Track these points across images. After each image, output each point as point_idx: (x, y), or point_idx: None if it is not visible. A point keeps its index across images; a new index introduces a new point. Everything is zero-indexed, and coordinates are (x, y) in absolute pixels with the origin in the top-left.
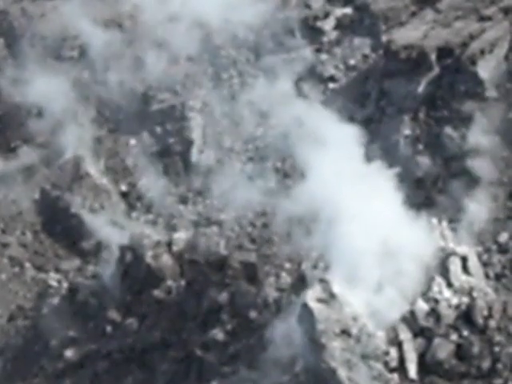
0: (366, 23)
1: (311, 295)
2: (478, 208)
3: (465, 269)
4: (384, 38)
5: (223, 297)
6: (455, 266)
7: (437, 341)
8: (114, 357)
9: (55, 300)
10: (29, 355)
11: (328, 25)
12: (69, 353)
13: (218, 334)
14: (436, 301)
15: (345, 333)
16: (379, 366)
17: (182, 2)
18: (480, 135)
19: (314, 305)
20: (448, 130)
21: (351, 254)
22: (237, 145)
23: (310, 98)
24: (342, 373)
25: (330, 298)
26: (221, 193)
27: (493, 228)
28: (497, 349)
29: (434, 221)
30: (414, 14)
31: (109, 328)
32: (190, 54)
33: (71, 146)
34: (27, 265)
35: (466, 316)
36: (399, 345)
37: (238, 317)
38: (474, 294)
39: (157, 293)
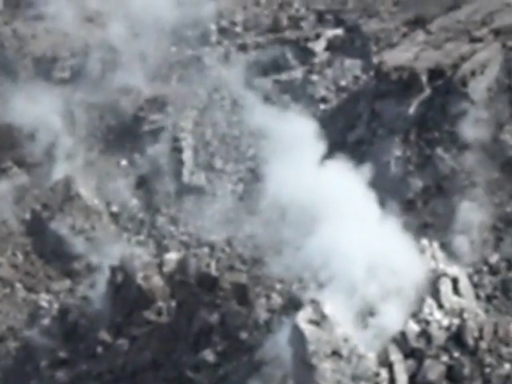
0: (357, 44)
1: (302, 316)
2: (469, 229)
3: (455, 290)
4: (375, 60)
5: (214, 318)
6: (446, 287)
7: (427, 362)
8: (104, 377)
9: (46, 321)
10: (19, 376)
11: (319, 46)
12: (59, 374)
13: (209, 355)
14: (427, 322)
15: (336, 354)
16: None
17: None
18: (471, 157)
19: (305, 326)
20: (439, 151)
21: (342, 275)
22: (228, 166)
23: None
24: None
25: (321, 318)
26: (212, 214)
27: (483, 249)
28: (487, 370)
29: (425, 242)
30: (404, 36)
31: (99, 349)
32: (182, 75)
33: (62, 167)
34: (18, 285)
35: (457, 337)
36: (390, 366)
37: (229, 338)
38: (465, 316)
39: (147, 314)
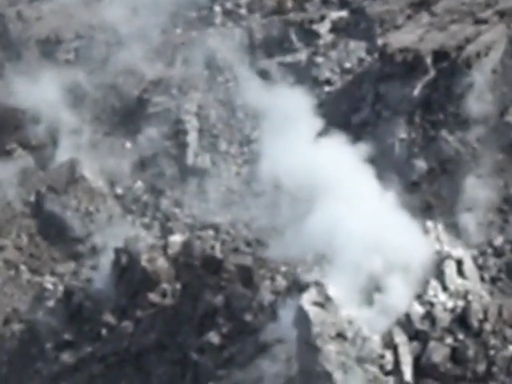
0: (362, 26)
1: (307, 298)
2: (474, 211)
3: (460, 272)
4: (379, 42)
5: (219, 300)
6: (450, 269)
7: (432, 344)
8: (109, 360)
9: (50, 303)
10: (24, 358)
11: (323, 28)
12: (64, 356)
13: (214, 338)
14: (431, 304)
15: (340, 336)
16: (374, 369)
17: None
18: (475, 138)
19: (309, 308)
20: (444, 133)
21: (346, 256)
22: (232, 148)
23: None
24: (338, 376)
25: (325, 301)
26: (216, 196)
27: (488, 231)
28: (492, 352)
29: (430, 224)
30: (409, 18)
31: (104, 331)
32: (186, 57)
33: (66, 149)
34: (23, 268)
35: (462, 319)
36: (394, 348)
37: (234, 320)
38: (470, 298)
39: (152, 296)
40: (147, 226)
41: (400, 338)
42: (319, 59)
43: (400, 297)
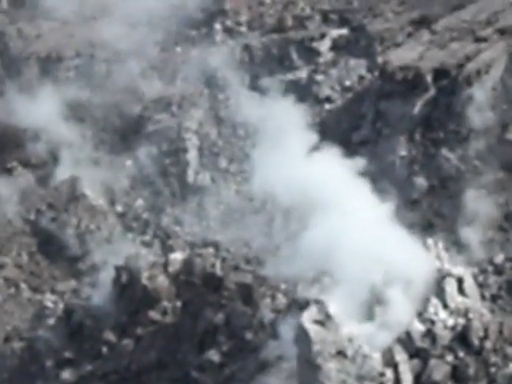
0: (362, 44)
1: (307, 316)
2: (474, 230)
3: (461, 290)
4: (380, 59)
5: (219, 318)
6: (451, 287)
7: (433, 362)
8: (109, 378)
9: (51, 321)
10: (24, 376)
11: (324, 46)
12: (65, 374)
13: (214, 355)
14: (432, 322)
15: (340, 354)
16: None
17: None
18: (476, 156)
19: (309, 326)
20: (444, 151)
21: (347, 273)
22: (233, 166)
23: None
24: None
25: (325, 319)
26: (217, 214)
27: (489, 249)
28: (493, 370)
29: (430, 242)
30: (409, 35)
31: (105, 349)
32: (187, 75)
33: (67, 168)
34: (23, 286)
35: (462, 337)
36: (395, 366)
37: (234, 338)
38: (470, 315)
39: (152, 314)
40: (148, 244)
41: (400, 356)
42: (319, 77)
43: (401, 311)
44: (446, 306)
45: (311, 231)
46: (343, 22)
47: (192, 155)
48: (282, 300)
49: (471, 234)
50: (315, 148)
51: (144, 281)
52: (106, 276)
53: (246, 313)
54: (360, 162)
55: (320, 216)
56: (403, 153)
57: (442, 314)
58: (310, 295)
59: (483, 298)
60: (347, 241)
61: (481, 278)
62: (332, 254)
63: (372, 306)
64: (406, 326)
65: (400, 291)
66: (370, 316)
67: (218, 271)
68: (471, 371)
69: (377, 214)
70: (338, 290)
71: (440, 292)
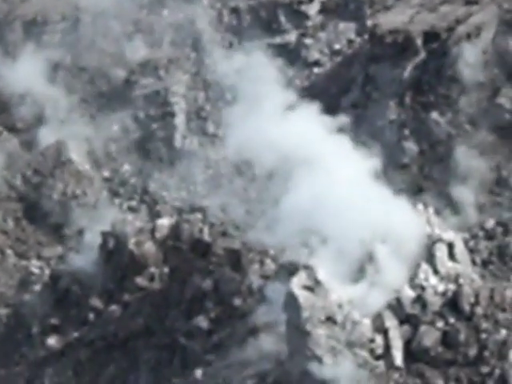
0: (351, 7)
1: (296, 282)
2: (465, 194)
3: (451, 255)
4: (369, 23)
5: (207, 284)
6: (441, 252)
7: (423, 328)
8: (96, 344)
9: (37, 287)
10: (10, 343)
11: (313, 9)
12: (51, 340)
13: (202, 322)
14: (422, 288)
15: (330, 320)
16: (365, 353)
17: None
18: (467, 120)
19: (298, 292)
20: (434, 115)
21: (336, 239)
22: (220, 130)
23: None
24: (327, 360)
25: (315, 284)
26: (204, 179)
27: (479, 214)
28: (483, 336)
29: (420, 207)
30: None
31: (91, 315)
32: (173, 38)
33: (53, 132)
34: (9, 252)
35: (453, 303)
36: (385, 332)
37: (223, 304)
38: (461, 281)
39: (140, 280)
40: (134, 210)
41: (390, 322)
42: (308, 40)
43: (392, 272)
44: (436, 272)
45: (294, 193)
46: None
47: (179, 120)
48: (270, 266)
49: (462, 199)
50: (292, 107)
51: (131, 247)
52: (93, 242)
53: (234, 279)
54: (342, 119)
55: (303, 176)
56: (393, 117)
57: (433, 280)
58: (299, 260)
59: (474, 263)
60: (333, 200)
61: (471, 244)
62: (318, 214)
63: (363, 264)
64: (397, 290)
65: (390, 251)
66: (360, 275)
67: (206, 237)
68: (462, 337)
69: (360, 171)
70: (327, 250)
71: (430, 257)
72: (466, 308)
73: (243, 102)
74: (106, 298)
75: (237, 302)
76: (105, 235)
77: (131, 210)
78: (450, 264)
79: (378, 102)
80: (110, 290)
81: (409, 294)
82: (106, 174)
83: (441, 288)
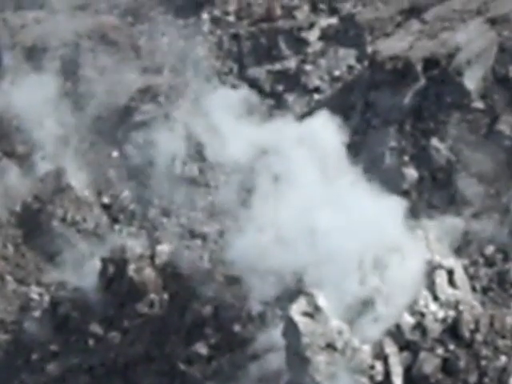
0: (351, 34)
1: (296, 309)
2: (465, 220)
3: (451, 282)
4: (369, 49)
5: (207, 310)
6: (441, 279)
7: (423, 355)
8: (96, 371)
9: (37, 313)
10: (10, 369)
11: (313, 36)
12: (50, 367)
13: (202, 348)
14: (422, 314)
15: (330, 346)
16: (364, 379)
17: None
18: (466, 148)
19: (298, 318)
20: (434, 141)
21: (336, 266)
22: (220, 157)
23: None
24: None
25: (315, 311)
26: (204, 205)
27: (479, 241)
28: (483, 363)
29: (420, 233)
30: (399, 25)
31: (91, 342)
32: (174, 64)
33: (53, 159)
34: (8, 278)
35: (453, 330)
36: (385, 359)
37: (222, 330)
38: (461, 308)
39: (139, 306)
40: (134, 236)
41: (390, 349)
42: (308, 67)
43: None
44: (436, 299)
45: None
46: (332, 11)
47: (179, 146)
48: (270, 292)
49: (462, 226)
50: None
51: (131, 273)
52: (93, 268)
53: (234, 305)
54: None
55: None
56: (393, 144)
57: (433, 307)
58: (299, 287)
59: (474, 290)
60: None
61: (471, 270)
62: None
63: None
64: (397, 317)
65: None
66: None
67: (206, 263)
68: (462, 364)
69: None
70: (324, 276)
71: (430, 284)
72: (466, 335)
73: None
74: (106, 324)
75: (236, 328)
76: (104, 261)
77: (131, 236)
78: (449, 290)
79: (377, 128)
80: (109, 317)
81: (409, 320)
82: (106, 200)
83: (441, 314)
